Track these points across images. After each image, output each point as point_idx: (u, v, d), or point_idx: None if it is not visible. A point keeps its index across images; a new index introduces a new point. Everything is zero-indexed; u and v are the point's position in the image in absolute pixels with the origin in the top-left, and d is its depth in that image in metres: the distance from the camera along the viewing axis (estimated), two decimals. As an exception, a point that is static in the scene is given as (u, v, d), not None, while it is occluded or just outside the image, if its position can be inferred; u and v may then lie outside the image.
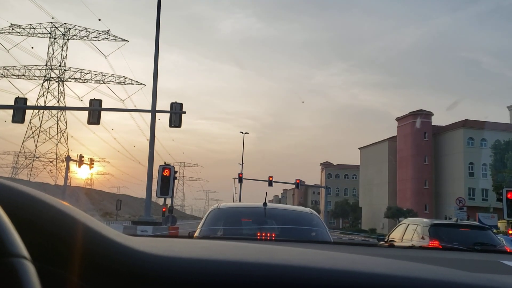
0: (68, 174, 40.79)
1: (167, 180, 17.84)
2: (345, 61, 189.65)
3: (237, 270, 0.80)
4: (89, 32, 75.71)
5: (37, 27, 74.93)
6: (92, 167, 40.52)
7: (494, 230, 23.62)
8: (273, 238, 4.18)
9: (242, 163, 56.94)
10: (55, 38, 76.65)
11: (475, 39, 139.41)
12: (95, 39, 75.86)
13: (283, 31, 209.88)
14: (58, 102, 75.70)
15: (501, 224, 33.66)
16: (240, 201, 47.35)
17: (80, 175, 79.35)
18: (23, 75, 73.74)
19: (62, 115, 79.57)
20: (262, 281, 0.78)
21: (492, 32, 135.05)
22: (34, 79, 75.55)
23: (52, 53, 76.02)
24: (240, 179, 46.18)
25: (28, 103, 26.09)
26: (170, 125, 22.12)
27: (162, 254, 0.82)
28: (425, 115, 64.96)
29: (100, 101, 23.09)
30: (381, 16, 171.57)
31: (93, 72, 74.99)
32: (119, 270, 0.75)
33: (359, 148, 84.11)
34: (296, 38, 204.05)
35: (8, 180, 0.77)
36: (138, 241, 0.85)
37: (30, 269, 0.53)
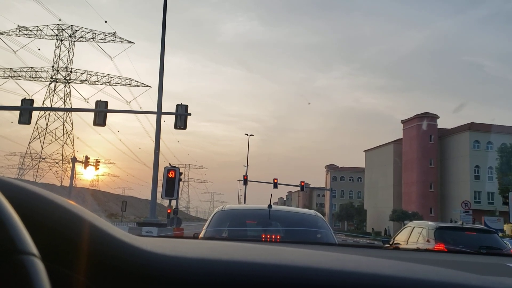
0: (74, 175, 40.99)
1: (172, 181, 17.86)
2: (348, 64, 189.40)
3: (244, 270, 0.80)
4: (96, 34, 76.13)
5: (44, 29, 75.43)
6: (98, 168, 40.67)
7: (500, 234, 23.49)
8: (278, 240, 4.18)
9: (247, 165, 57.03)
10: (61, 40, 77.09)
11: (478, 42, 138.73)
12: (101, 41, 76.32)
13: (286, 34, 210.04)
14: (64, 103, 76.13)
15: (507, 228, 33.44)
16: (245, 203, 47.39)
17: (86, 176, 79.76)
18: (30, 76, 74.22)
19: (68, 117, 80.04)
20: (269, 282, 0.78)
21: (495, 35, 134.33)
22: (41, 81, 76.06)
23: (58, 54, 76.53)
24: (245, 181, 46.17)
25: (35, 105, 26.25)
26: (176, 127, 22.19)
27: (169, 254, 0.82)
28: (431, 117, 64.73)
29: (106, 103, 23.19)
30: (383, 19, 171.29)
31: (99, 74, 75.45)
32: (126, 269, 0.75)
33: (364, 151, 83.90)
34: (299, 41, 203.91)
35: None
36: (145, 241, 0.85)
37: (40, 266, 0.53)
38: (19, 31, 73.58)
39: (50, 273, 0.54)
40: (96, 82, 75.37)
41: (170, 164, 19.56)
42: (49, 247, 0.68)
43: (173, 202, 23.97)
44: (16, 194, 0.70)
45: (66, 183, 65.62)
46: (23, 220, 0.57)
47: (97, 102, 23.20)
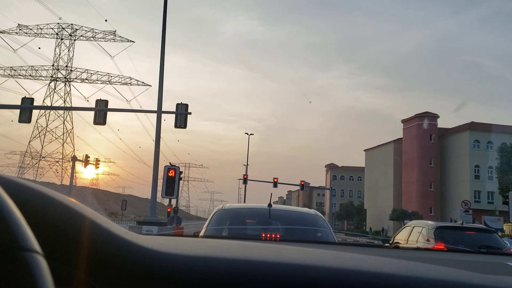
0: (74, 174, 41.00)
1: (172, 180, 17.84)
2: (348, 63, 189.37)
3: (245, 268, 0.81)
4: (96, 33, 76.10)
5: (44, 27, 75.40)
6: (98, 167, 40.66)
7: (500, 233, 23.47)
8: (278, 239, 4.18)
9: (247, 164, 56.99)
10: (62, 39, 77.06)
11: (478, 42, 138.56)
12: (101, 40, 76.30)
13: (286, 33, 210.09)
14: (64, 102, 76.11)
15: (507, 227, 33.44)
16: (245, 202, 47.34)
17: (86, 175, 79.88)
18: (30, 75, 74.20)
19: (68, 115, 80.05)
20: (269, 279, 0.79)
21: (495, 35, 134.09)
22: (41, 80, 76.05)
23: (58, 53, 76.49)
24: (245, 180, 46.17)
25: (35, 103, 26.25)
26: (176, 126, 22.19)
27: (170, 251, 0.82)
28: (431, 117, 64.73)
29: (106, 102, 23.18)
30: (383, 19, 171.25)
31: (99, 73, 75.44)
32: (127, 267, 0.75)
33: (364, 150, 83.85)
34: (299, 41, 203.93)
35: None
36: (146, 239, 0.85)
37: (43, 263, 0.53)
38: (20, 29, 73.57)
39: (51, 271, 0.54)
40: (96, 81, 75.40)
41: (170, 163, 19.54)
42: (50, 245, 0.67)
43: (173, 201, 23.96)
44: (18, 191, 0.70)
45: (66, 182, 65.67)
46: (24, 218, 0.57)
47: (97, 101, 23.19)
